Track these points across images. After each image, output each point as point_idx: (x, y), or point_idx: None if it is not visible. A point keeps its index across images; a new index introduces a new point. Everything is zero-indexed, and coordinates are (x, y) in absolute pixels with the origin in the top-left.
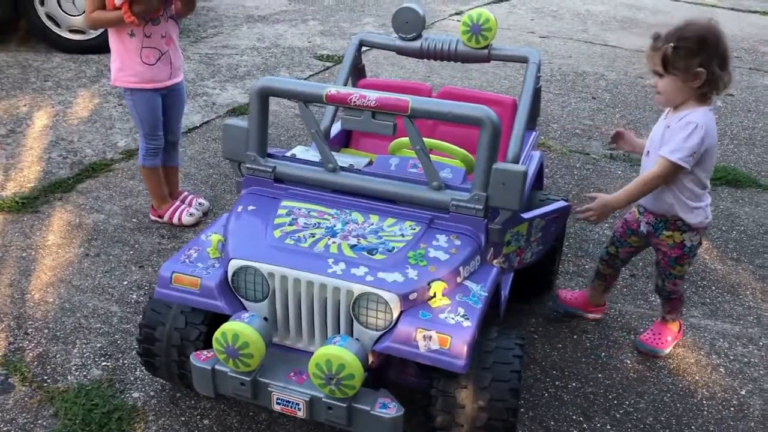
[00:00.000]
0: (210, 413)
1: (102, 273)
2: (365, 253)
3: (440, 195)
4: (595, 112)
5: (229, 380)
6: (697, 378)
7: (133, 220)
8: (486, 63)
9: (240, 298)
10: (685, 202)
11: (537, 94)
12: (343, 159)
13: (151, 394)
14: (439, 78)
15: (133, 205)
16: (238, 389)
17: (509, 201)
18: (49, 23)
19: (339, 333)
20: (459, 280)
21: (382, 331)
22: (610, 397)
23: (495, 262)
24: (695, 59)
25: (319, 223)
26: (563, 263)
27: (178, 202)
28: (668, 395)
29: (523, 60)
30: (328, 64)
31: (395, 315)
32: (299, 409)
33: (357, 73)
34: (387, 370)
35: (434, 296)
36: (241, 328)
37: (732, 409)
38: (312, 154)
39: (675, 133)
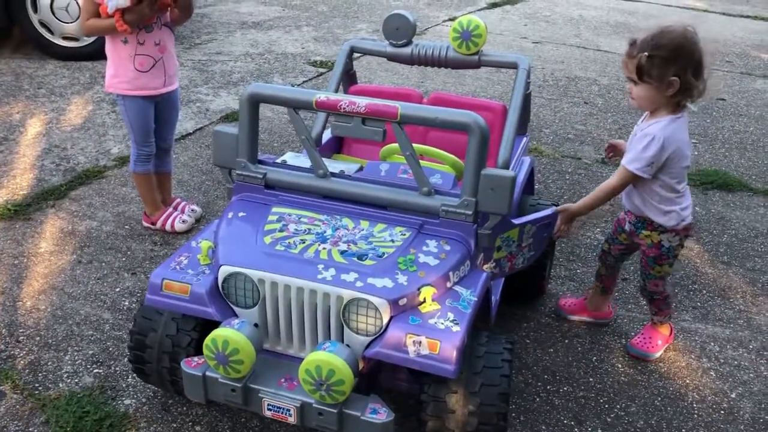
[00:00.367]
0: (202, 420)
1: (94, 280)
2: (355, 259)
3: (430, 200)
4: (587, 117)
5: (219, 387)
6: (687, 381)
7: (126, 227)
8: (477, 69)
9: (230, 304)
10: (654, 206)
11: (527, 99)
12: (333, 165)
13: (143, 400)
14: (432, 84)
15: (125, 212)
16: (229, 395)
17: (498, 206)
18: (42, 30)
19: (329, 339)
20: (449, 285)
21: (372, 337)
22: (602, 401)
23: (485, 267)
24: (670, 68)
25: (309, 229)
26: (555, 268)
27: (170, 209)
28: (659, 399)
29: (513, 66)
30: (321, 70)
31: (385, 320)
32: (290, 415)
33: (348, 80)
34: (378, 376)
35: (424, 301)
36: (231, 335)
37: (722, 412)
38: (302, 160)
39: (636, 143)
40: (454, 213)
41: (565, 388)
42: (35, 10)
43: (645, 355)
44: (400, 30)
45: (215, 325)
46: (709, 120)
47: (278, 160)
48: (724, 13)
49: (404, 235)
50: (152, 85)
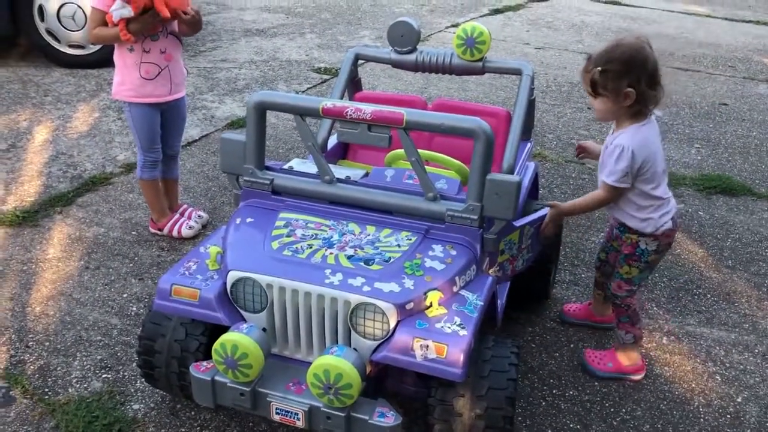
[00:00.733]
0: (210, 424)
1: (102, 286)
2: (362, 264)
3: (436, 205)
4: (590, 122)
5: (228, 391)
6: (693, 386)
7: (133, 233)
8: (481, 75)
9: (239, 309)
10: (629, 214)
11: (531, 105)
12: (339, 171)
13: (152, 405)
14: (436, 90)
15: (132, 219)
16: (237, 400)
17: (504, 211)
18: (48, 38)
19: (337, 343)
20: (455, 289)
21: (380, 341)
22: (607, 405)
23: (491, 271)
24: (623, 80)
25: (316, 235)
26: (560, 272)
27: (177, 215)
28: (665, 403)
29: (517, 72)
30: (325, 76)
31: (392, 324)
32: (298, 419)
33: (353, 86)
34: (385, 380)
35: (431, 306)
36: (239, 339)
37: (728, 416)
38: (309, 166)
39: (608, 156)
40: (460, 218)
41: (571, 392)
42: (42, 19)
43: (588, 369)
44: (404, 37)
45: (223, 329)
46: (712, 125)
47: (285, 167)
48: (726, 18)
49: (410, 239)
50: (158, 93)
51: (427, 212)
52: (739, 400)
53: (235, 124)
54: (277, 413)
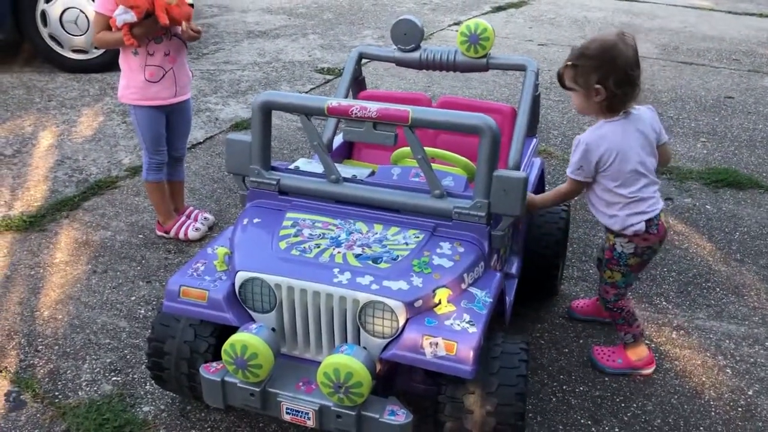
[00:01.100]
0: (220, 425)
1: (110, 289)
2: (370, 262)
3: (443, 203)
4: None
5: (238, 391)
6: (704, 379)
7: (140, 236)
8: (485, 72)
9: (247, 309)
10: (599, 210)
11: (536, 101)
12: (345, 170)
13: (162, 407)
14: (439, 88)
15: (139, 222)
16: (247, 400)
17: (511, 207)
18: (52, 44)
19: (346, 342)
20: (463, 286)
21: (389, 339)
22: (618, 400)
23: (499, 267)
24: (592, 76)
25: (323, 234)
26: (567, 268)
27: (183, 218)
28: (675, 397)
29: (521, 68)
30: (328, 77)
31: (401, 322)
32: (309, 419)
33: (357, 86)
34: (395, 378)
35: (439, 303)
36: (249, 339)
37: (740, 409)
38: (315, 165)
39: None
40: (467, 215)
41: (581, 388)
42: (45, 24)
43: (598, 366)
44: (408, 35)
45: (232, 330)
46: (718, 118)
47: (291, 167)
48: (729, 12)
49: (418, 237)
50: (163, 96)
51: (434, 210)
52: (750, 392)
53: (239, 125)
54: (287, 413)
